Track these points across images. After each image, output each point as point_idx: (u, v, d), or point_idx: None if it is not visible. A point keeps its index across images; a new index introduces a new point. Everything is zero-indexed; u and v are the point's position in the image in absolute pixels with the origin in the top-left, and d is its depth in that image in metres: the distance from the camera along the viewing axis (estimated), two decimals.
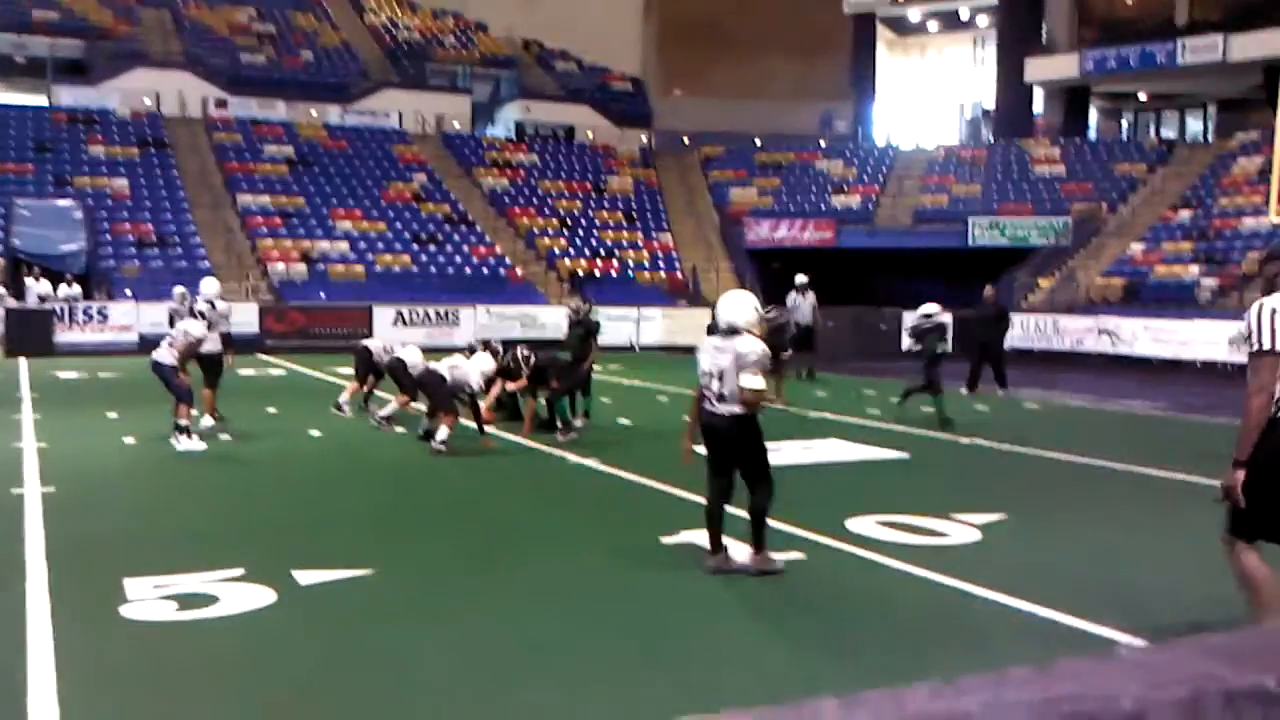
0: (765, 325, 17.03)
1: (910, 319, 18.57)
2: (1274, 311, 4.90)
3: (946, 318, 16.40)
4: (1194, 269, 29.06)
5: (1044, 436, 13.31)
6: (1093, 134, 44.28)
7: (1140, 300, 28.29)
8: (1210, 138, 41.26)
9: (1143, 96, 45.15)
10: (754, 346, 6.79)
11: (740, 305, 7.03)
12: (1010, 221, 34.04)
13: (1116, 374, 22.93)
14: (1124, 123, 47.05)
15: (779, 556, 7.22)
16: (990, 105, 46.06)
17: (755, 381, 6.77)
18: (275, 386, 18.74)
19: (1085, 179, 35.96)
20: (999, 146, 40.08)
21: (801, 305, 20.68)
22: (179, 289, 16.18)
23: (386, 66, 42.11)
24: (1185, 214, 32.39)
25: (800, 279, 21.05)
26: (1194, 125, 44.92)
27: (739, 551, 7.11)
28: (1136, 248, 31.57)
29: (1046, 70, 40.71)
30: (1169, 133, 44.20)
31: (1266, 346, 4.87)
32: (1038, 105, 43.68)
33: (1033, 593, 6.41)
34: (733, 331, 6.89)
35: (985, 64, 47.55)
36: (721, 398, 6.82)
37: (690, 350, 7.36)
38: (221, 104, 37.20)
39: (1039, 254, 33.04)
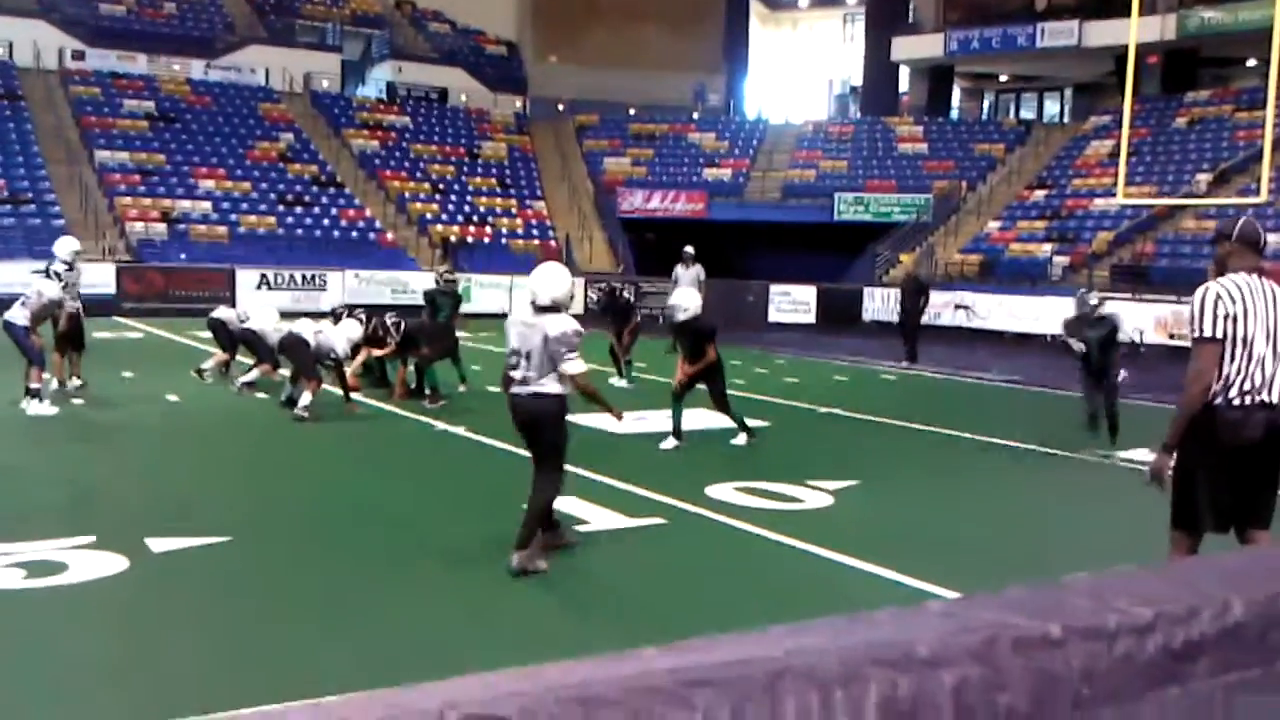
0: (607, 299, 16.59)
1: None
2: (1218, 297, 4.60)
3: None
4: (1046, 247, 30.22)
5: (899, 407, 13.76)
6: (955, 113, 45.52)
7: (995, 276, 29.32)
8: (1066, 120, 42.80)
9: (1004, 78, 46.56)
10: (566, 326, 6.33)
11: (554, 279, 6.52)
12: (875, 197, 34.86)
13: (972, 346, 23.74)
14: (985, 103, 48.46)
15: (641, 522, 7.38)
16: (858, 82, 46.94)
17: (577, 366, 6.36)
18: (132, 350, 18.18)
19: (947, 157, 37.00)
20: (865, 123, 40.93)
21: (682, 277, 20.44)
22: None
23: (253, 21, 40.86)
24: (1040, 193, 33.62)
25: (687, 250, 20.82)
26: (1051, 107, 46.52)
27: (603, 517, 7.25)
28: (993, 225, 32.67)
29: (912, 49, 41.65)
30: (1027, 114, 45.72)
31: (1208, 333, 4.57)
32: (904, 84, 44.69)
33: (877, 554, 6.71)
34: (548, 308, 6.40)
35: (854, 41, 48.40)
36: (526, 379, 6.38)
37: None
38: (79, 55, 35.65)
39: (901, 230, 33.92)
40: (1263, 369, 4.53)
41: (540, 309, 6.41)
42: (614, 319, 15.91)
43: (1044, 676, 1.72)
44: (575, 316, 6.60)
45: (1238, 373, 4.51)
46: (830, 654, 1.61)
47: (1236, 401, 4.53)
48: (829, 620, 1.76)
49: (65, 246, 13.45)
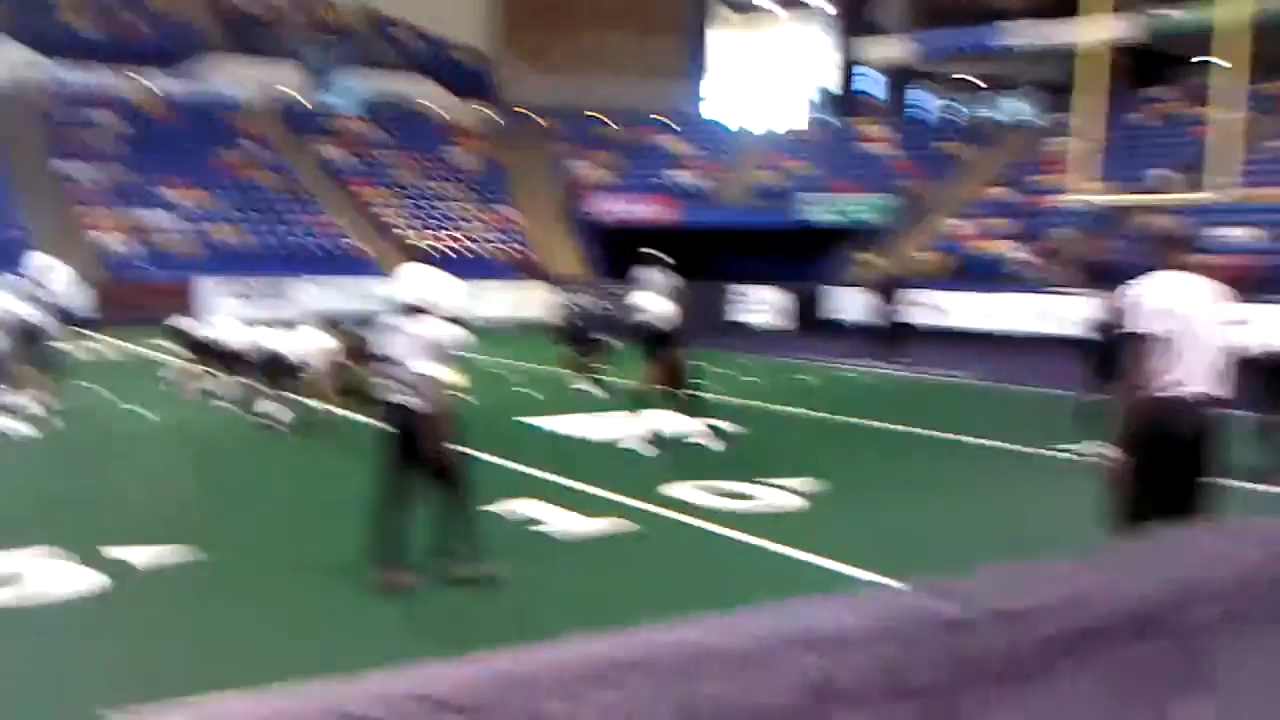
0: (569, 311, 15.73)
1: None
2: (1146, 294, 4.85)
3: None
4: (1010, 244, 30.50)
5: (865, 406, 13.92)
6: (921, 114, 45.86)
7: (961, 274, 29.55)
8: (1028, 119, 43.16)
9: (969, 78, 46.97)
10: (437, 332, 6.07)
11: (416, 279, 6.29)
12: (842, 199, 35.05)
13: (939, 345, 23.95)
14: (951, 103, 48.86)
15: (601, 523, 7.48)
16: (824, 85, 47.23)
17: (436, 370, 5.99)
18: (101, 365, 18.16)
19: (913, 158, 37.23)
20: (832, 125, 41.16)
21: (651, 282, 19.68)
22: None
23: (220, 33, 40.75)
24: (1003, 192, 33.92)
25: (648, 252, 20.14)
26: (1014, 107, 46.95)
27: (561, 518, 7.34)
28: (958, 224, 32.93)
29: (878, 51, 41.94)
30: (993, 113, 46.11)
31: (1138, 330, 4.78)
32: (869, 85, 44.99)
33: (842, 553, 6.83)
34: (413, 311, 6.19)
35: (820, 44, 48.69)
36: (398, 386, 6.10)
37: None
38: (46, 71, 35.47)
39: (868, 230, 34.12)
40: (1191, 364, 4.69)
41: (405, 310, 6.17)
42: (576, 345, 15.50)
43: (961, 656, 1.88)
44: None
45: (1168, 368, 4.67)
46: (755, 637, 1.76)
47: (1168, 396, 4.68)
48: (760, 606, 1.91)
49: (40, 265, 13.36)
